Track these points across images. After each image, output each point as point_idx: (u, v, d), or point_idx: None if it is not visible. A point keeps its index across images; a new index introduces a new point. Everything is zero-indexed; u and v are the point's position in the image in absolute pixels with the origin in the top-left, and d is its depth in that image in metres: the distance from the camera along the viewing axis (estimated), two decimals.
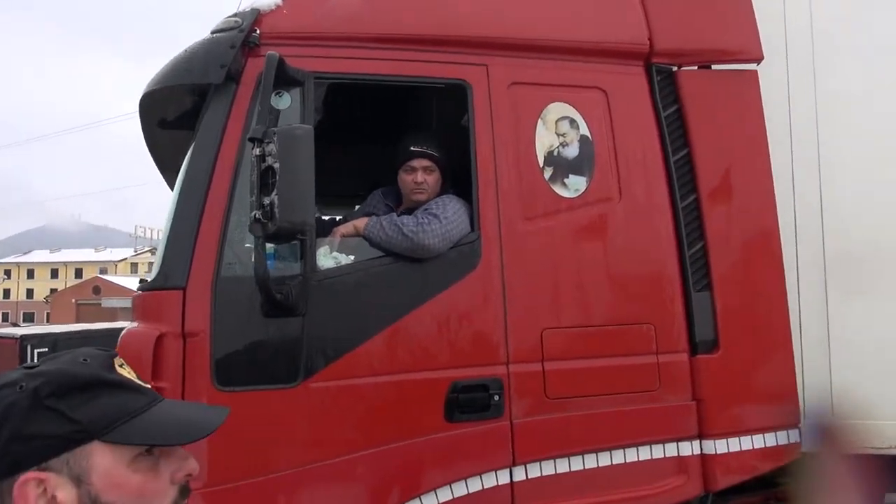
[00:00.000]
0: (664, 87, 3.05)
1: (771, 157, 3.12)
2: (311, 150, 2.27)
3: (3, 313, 68.56)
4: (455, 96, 2.87)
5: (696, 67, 3.13)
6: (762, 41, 3.16)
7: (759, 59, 3.17)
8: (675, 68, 3.08)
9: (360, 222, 2.77)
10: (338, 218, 3.22)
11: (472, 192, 2.76)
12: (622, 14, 3.05)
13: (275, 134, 2.22)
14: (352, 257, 2.68)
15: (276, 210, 2.19)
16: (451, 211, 2.73)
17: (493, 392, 2.64)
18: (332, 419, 2.51)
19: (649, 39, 3.03)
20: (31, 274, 78.71)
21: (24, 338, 9.29)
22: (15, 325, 35.91)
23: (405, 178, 2.94)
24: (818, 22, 3.26)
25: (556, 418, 2.72)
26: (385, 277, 2.66)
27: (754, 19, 3.17)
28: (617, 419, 2.78)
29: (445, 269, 2.69)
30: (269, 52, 2.43)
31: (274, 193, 2.20)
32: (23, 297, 75.80)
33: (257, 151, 2.25)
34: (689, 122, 3.04)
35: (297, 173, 2.22)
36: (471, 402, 2.62)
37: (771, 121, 3.14)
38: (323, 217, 3.62)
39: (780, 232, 3.10)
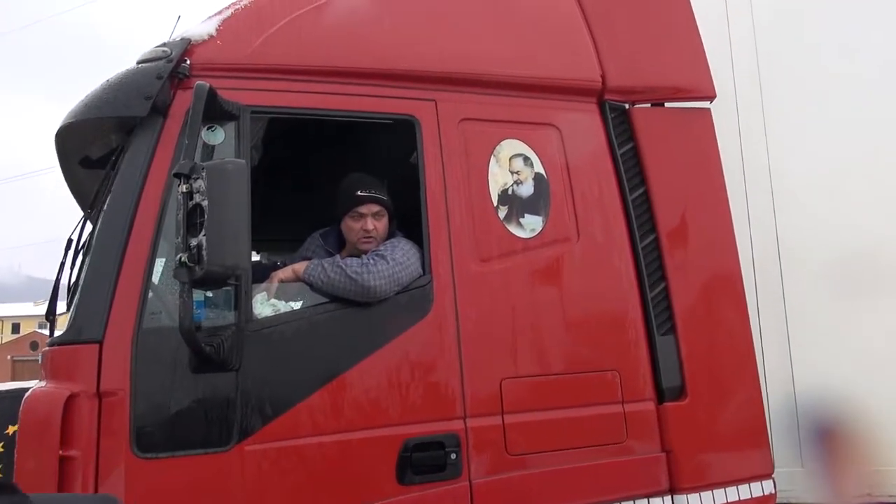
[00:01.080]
0: (618, 124, 3.01)
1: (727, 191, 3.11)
2: (243, 186, 2.10)
3: None
4: (403, 133, 2.73)
5: (649, 105, 3.09)
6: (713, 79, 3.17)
7: (711, 97, 3.18)
8: (628, 106, 3.04)
9: (300, 266, 2.58)
10: (279, 262, 3.00)
11: (423, 232, 2.61)
12: (574, 51, 3.01)
13: (203, 169, 2.03)
14: (292, 304, 2.48)
15: (203, 252, 1.99)
16: (400, 253, 2.58)
17: (450, 449, 2.45)
18: (271, 486, 2.28)
19: (602, 76, 2.99)
20: None
21: None
22: None
23: (352, 226, 2.74)
24: (763, 56, 3.37)
25: (519, 476, 2.54)
26: (329, 326, 2.46)
27: (705, 58, 3.19)
28: (583, 475, 2.61)
29: (395, 316, 2.52)
30: (198, 82, 2.26)
31: (202, 234, 2.01)
32: None
33: (184, 188, 2.05)
34: (645, 159, 2.98)
35: (227, 212, 2.03)
36: (426, 462, 2.43)
37: (724, 154, 3.14)
38: (263, 261, 3.40)
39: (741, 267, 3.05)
